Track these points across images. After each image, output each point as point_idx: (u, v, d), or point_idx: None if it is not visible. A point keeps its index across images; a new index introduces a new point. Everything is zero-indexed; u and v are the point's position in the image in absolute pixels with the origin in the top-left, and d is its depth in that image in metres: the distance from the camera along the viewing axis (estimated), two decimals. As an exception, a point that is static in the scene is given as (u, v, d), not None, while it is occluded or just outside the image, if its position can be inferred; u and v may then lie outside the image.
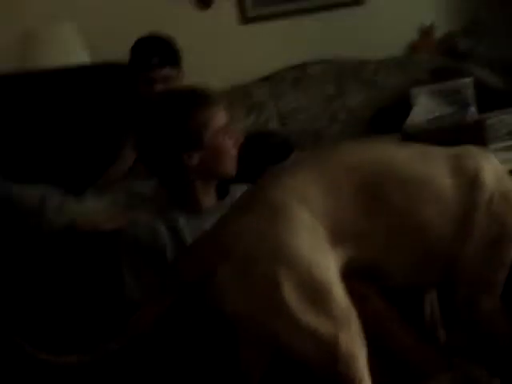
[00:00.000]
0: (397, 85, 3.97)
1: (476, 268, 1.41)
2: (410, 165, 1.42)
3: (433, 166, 1.42)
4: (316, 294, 1.24)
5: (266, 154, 2.17)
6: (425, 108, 2.43)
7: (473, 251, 1.41)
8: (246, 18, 3.98)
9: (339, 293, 1.26)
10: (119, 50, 2.46)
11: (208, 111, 1.66)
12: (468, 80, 2.46)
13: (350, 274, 1.31)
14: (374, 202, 1.34)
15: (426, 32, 4.18)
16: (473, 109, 2.39)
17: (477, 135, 2.36)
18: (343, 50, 4.05)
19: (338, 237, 1.29)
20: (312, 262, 1.24)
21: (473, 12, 4.22)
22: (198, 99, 1.67)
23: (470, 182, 1.42)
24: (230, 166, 1.70)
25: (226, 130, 1.68)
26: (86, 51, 2.98)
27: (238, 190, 1.75)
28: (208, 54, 3.80)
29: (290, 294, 1.21)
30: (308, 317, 1.22)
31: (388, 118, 3.78)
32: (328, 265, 1.26)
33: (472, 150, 1.52)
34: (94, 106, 2.52)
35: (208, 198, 1.72)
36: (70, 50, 2.81)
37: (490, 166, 1.47)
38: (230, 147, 1.69)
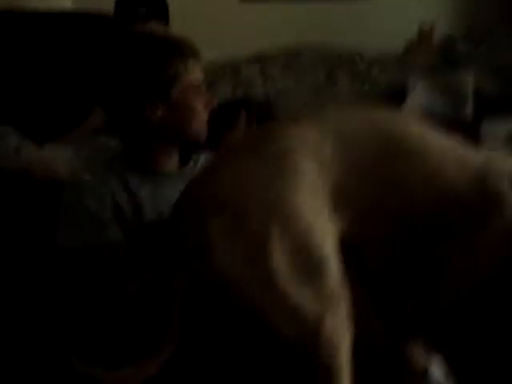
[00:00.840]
0: (390, 82, 3.88)
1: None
2: (442, 156, 1.27)
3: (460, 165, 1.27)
4: (308, 265, 1.08)
5: (249, 119, 2.06)
6: (419, 100, 2.33)
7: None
8: (244, -4, 3.86)
9: (333, 268, 1.10)
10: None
11: (182, 63, 1.48)
12: (468, 78, 2.36)
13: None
14: (388, 170, 1.18)
15: (425, 32, 4.10)
16: (469, 108, 2.29)
17: (470, 135, 2.26)
18: (340, 40, 3.96)
19: (339, 201, 1.12)
20: (310, 226, 1.08)
21: (473, 16, 4.16)
22: (175, 47, 1.49)
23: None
24: (196, 127, 1.52)
25: (198, 89, 1.51)
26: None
27: (204, 159, 1.62)
28: (203, 25, 3.68)
29: (280, 260, 1.05)
30: (294, 289, 1.07)
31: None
32: (326, 233, 1.10)
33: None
34: (72, 56, 2.38)
35: (168, 162, 1.55)
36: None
37: None
38: (200, 108, 1.51)
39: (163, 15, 2.12)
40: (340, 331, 1.09)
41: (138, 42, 1.50)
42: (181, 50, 1.48)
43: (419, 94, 2.32)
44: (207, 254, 1.08)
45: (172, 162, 1.55)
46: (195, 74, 1.49)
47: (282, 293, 1.07)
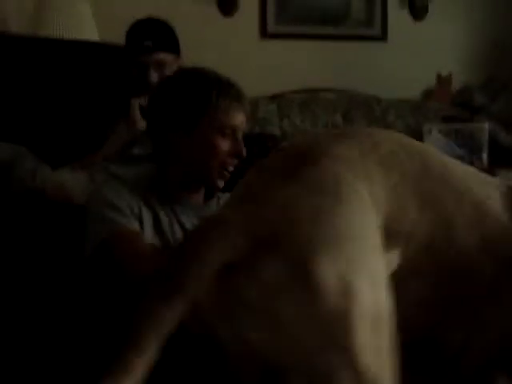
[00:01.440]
0: (406, 127, 3.91)
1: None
2: (467, 178, 1.16)
3: (486, 190, 1.16)
4: (378, 323, 0.91)
5: (262, 157, 2.05)
6: (434, 146, 2.33)
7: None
8: (266, 33, 3.91)
9: (390, 327, 0.92)
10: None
11: (223, 102, 1.44)
12: (484, 125, 2.37)
13: None
14: (428, 198, 1.05)
15: (443, 80, 4.14)
16: (485, 156, 2.29)
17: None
18: (358, 83, 4.00)
19: (390, 235, 0.96)
20: (377, 273, 0.91)
21: (490, 69, 4.20)
22: (212, 86, 1.47)
23: None
24: (213, 175, 1.45)
25: (228, 134, 1.45)
26: (96, 30, 2.89)
27: (225, 198, 1.59)
28: (221, 60, 3.72)
29: (359, 319, 0.87)
30: (366, 358, 0.88)
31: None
32: (385, 277, 0.93)
33: None
34: (94, 85, 2.41)
35: (191, 195, 1.52)
36: (82, 24, 2.71)
37: None
38: (223, 154, 1.44)
39: (172, 48, 2.12)
40: (384, 371, 0.93)
41: (189, 75, 1.51)
42: (218, 89, 1.46)
43: (435, 139, 2.33)
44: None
45: (195, 196, 1.53)
46: (228, 115, 1.45)
47: (354, 358, 0.91)
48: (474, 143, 2.35)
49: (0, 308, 1.56)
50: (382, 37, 4.09)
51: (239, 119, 1.47)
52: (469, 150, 2.33)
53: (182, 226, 1.49)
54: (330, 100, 3.88)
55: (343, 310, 0.87)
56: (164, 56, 2.07)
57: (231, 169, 1.48)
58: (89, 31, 2.73)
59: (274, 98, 3.83)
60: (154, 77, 2.04)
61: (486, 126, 2.36)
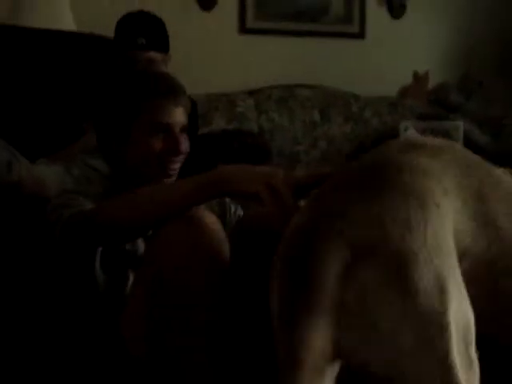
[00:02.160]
0: (382, 124, 3.94)
1: None
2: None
3: None
4: (467, 333, 0.95)
5: (241, 154, 2.05)
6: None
7: None
8: (245, 28, 3.91)
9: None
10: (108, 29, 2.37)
11: (150, 101, 1.42)
12: (459, 123, 2.39)
13: None
14: (488, 215, 1.08)
15: (420, 78, 4.17)
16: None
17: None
18: (336, 79, 4.02)
19: (458, 249, 1.00)
20: (461, 283, 0.96)
21: (466, 67, 4.25)
22: (145, 85, 1.43)
23: None
24: (155, 175, 1.44)
25: (165, 132, 1.42)
26: (73, 20, 2.86)
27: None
28: (200, 55, 3.74)
29: (453, 324, 0.91)
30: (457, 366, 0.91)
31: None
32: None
33: None
34: (68, 75, 2.39)
35: None
36: (58, 14, 2.68)
37: None
38: (157, 153, 1.42)
39: (163, 46, 2.11)
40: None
41: (121, 74, 1.50)
42: (144, 88, 1.43)
43: (411, 137, 2.35)
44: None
45: None
46: (157, 115, 1.42)
47: (448, 365, 0.94)
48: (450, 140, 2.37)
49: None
50: (361, 34, 4.12)
51: (172, 115, 1.44)
52: (444, 148, 2.35)
53: None
54: (308, 96, 3.89)
55: (439, 313, 0.92)
56: (154, 54, 2.06)
57: (175, 165, 1.46)
58: (66, 22, 2.70)
59: (251, 93, 3.83)
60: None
61: (461, 124, 2.39)
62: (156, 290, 1.21)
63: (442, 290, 0.92)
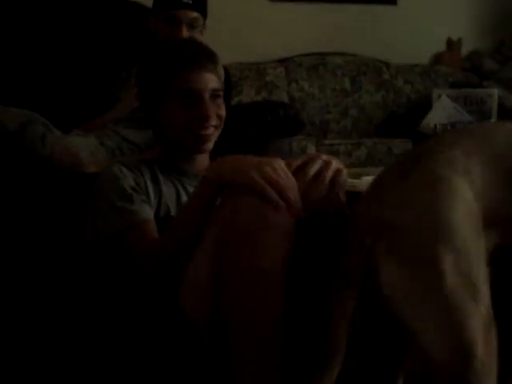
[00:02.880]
0: (415, 92, 3.89)
1: None
2: None
3: None
4: (469, 287, 1.07)
5: (274, 125, 2.03)
6: (443, 111, 2.32)
7: None
8: (275, -5, 3.87)
9: (486, 294, 1.09)
10: None
11: (178, 70, 1.42)
12: (493, 90, 2.35)
13: None
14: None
15: (453, 45, 4.10)
16: (494, 120, 2.28)
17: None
18: (367, 47, 3.97)
19: (489, 219, 1.13)
20: (471, 248, 1.08)
21: (500, 35, 4.16)
22: (174, 55, 1.45)
23: None
24: (188, 141, 1.45)
25: (193, 99, 1.43)
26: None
27: None
28: (230, 23, 3.70)
29: (448, 278, 1.05)
30: (455, 311, 1.06)
31: (400, 123, 3.71)
32: (481, 258, 1.10)
33: None
34: (103, 42, 2.38)
35: (191, 164, 1.51)
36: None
37: None
38: (187, 120, 1.43)
39: (205, 10, 2.11)
40: (492, 360, 1.07)
41: (155, 47, 1.50)
42: (171, 59, 1.45)
43: (445, 104, 2.31)
44: (372, 277, 1.09)
45: (196, 166, 1.52)
46: (185, 82, 1.42)
47: (446, 313, 1.07)
48: (483, 109, 2.32)
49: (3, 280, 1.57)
50: (392, 0, 4.05)
51: (201, 81, 1.43)
52: (478, 116, 2.31)
53: (186, 192, 1.50)
54: (339, 64, 3.85)
55: (464, 294, 1.06)
56: (198, 16, 2.06)
57: (208, 131, 1.45)
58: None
59: (281, 61, 3.80)
60: (186, 34, 2.03)
61: (495, 91, 2.34)
62: (221, 257, 1.21)
63: (467, 272, 1.07)
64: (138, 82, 1.53)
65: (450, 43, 4.10)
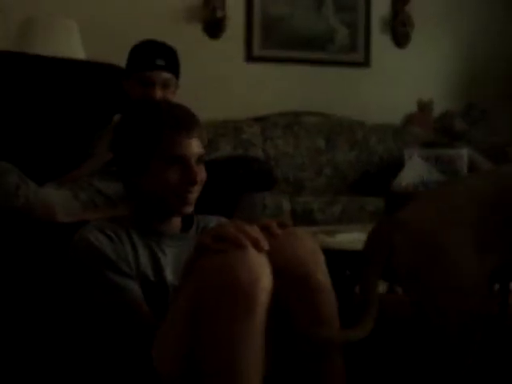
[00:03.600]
0: (387, 151, 3.97)
1: None
2: None
3: None
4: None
5: (247, 179, 2.06)
6: (415, 171, 2.37)
7: None
8: (251, 56, 3.97)
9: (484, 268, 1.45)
10: (114, 57, 2.43)
11: (165, 134, 1.44)
12: (463, 151, 2.41)
13: None
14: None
15: (424, 106, 4.21)
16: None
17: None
18: (341, 107, 4.06)
19: (483, 245, 1.46)
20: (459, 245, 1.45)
21: (470, 96, 4.28)
22: (161, 119, 1.45)
23: None
24: (173, 205, 1.47)
25: (181, 164, 1.46)
26: (82, 49, 2.91)
27: (209, 222, 1.60)
28: (207, 82, 3.77)
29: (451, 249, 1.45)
30: (463, 267, 1.43)
31: (373, 182, 3.77)
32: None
33: None
34: (78, 102, 2.42)
35: (168, 226, 1.52)
36: (68, 44, 2.73)
37: None
38: (174, 184, 1.45)
39: (177, 71, 2.15)
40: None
41: (137, 109, 1.51)
42: (158, 122, 1.45)
43: (416, 164, 2.36)
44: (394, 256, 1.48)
45: (172, 227, 1.53)
46: (174, 146, 1.44)
47: (453, 273, 1.43)
48: (454, 168, 2.38)
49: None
50: (365, 62, 4.17)
51: (189, 147, 1.46)
52: (448, 175, 2.36)
53: (164, 254, 1.50)
54: (314, 123, 3.93)
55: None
56: (171, 77, 2.09)
57: (193, 194, 1.48)
58: (75, 48, 2.75)
59: (258, 120, 3.87)
60: (159, 95, 2.07)
61: (465, 151, 2.41)
62: (194, 316, 1.22)
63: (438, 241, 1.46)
64: (117, 141, 1.52)
65: (420, 104, 4.21)
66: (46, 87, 2.36)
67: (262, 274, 1.19)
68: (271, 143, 3.79)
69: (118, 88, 2.26)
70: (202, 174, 1.50)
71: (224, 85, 3.87)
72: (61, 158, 2.22)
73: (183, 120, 1.47)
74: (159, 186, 1.45)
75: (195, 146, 1.47)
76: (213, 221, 1.61)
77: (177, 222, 1.54)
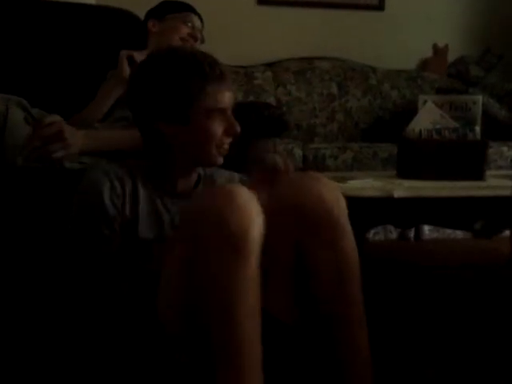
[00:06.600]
0: (401, 97, 3.92)
1: None
2: None
3: None
4: None
5: (258, 125, 2.04)
6: (428, 117, 2.33)
7: None
8: (263, 0, 3.89)
9: None
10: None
11: (208, 86, 1.42)
12: (477, 97, 2.37)
13: None
14: None
15: (439, 51, 4.13)
16: (478, 129, 2.30)
17: (477, 156, 2.27)
18: (354, 52, 3.99)
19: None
20: None
21: (487, 41, 4.19)
22: (196, 70, 1.42)
23: None
24: (213, 156, 1.47)
25: (219, 114, 1.45)
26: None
27: (218, 177, 1.61)
28: (218, 27, 3.70)
29: None
30: None
31: (386, 128, 3.73)
32: None
33: None
34: (90, 46, 2.40)
35: (184, 183, 1.53)
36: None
37: None
38: (220, 136, 1.45)
39: (201, 17, 2.20)
40: None
41: (167, 59, 1.47)
42: (202, 74, 1.42)
43: (430, 110, 2.33)
44: None
45: (187, 184, 1.53)
46: (216, 98, 1.43)
47: None
48: (468, 115, 2.34)
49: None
50: (380, 6, 4.08)
51: (227, 99, 1.46)
52: (462, 122, 2.32)
53: (167, 211, 1.50)
54: (326, 69, 3.87)
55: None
56: (198, 21, 2.15)
57: (227, 146, 1.49)
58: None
59: (269, 65, 3.82)
60: (198, 37, 2.12)
61: (480, 98, 2.36)
62: (190, 265, 1.24)
63: None
64: (145, 88, 1.47)
65: (436, 49, 4.13)
66: (58, 32, 2.35)
67: (252, 223, 1.21)
68: (283, 89, 3.75)
69: (128, 32, 2.24)
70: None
71: (235, 29, 3.81)
72: (72, 101, 2.22)
73: (222, 72, 1.46)
74: (203, 137, 1.45)
75: (231, 98, 1.48)
76: (219, 174, 1.62)
77: (192, 179, 1.55)
